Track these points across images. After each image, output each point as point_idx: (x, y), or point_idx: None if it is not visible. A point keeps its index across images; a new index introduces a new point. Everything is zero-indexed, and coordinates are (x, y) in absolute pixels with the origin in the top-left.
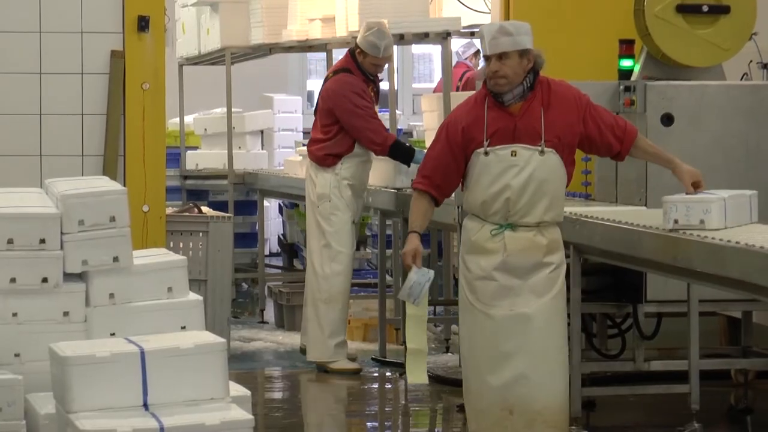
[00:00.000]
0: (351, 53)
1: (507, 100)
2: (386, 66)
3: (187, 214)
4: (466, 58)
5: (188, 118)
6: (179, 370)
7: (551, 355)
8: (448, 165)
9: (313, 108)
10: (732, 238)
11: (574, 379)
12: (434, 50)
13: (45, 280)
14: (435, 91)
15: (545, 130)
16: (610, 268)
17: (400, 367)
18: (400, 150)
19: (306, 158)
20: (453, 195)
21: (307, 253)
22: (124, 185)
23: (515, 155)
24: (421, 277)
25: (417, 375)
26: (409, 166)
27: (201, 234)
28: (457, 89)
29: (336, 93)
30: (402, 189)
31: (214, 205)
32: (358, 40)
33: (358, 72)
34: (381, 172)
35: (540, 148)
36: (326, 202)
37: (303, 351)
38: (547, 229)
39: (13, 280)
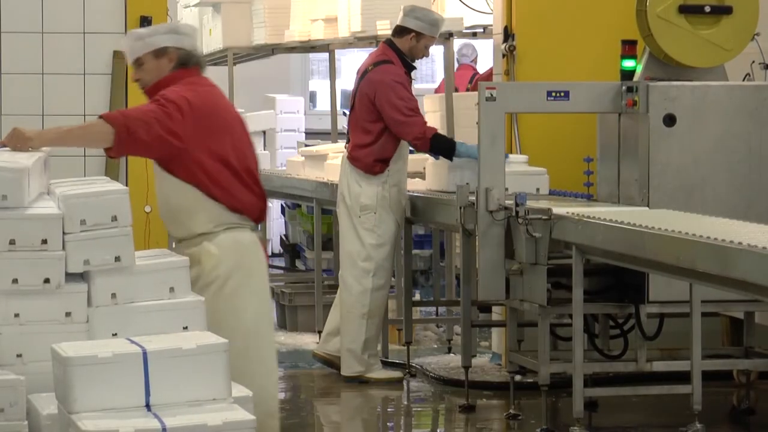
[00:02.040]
0: (389, 44)
1: None
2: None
3: None
4: (471, 61)
5: None
6: (181, 370)
7: None
8: None
9: (348, 106)
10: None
11: (577, 379)
12: (436, 51)
13: (47, 280)
14: (437, 91)
15: None
16: (613, 269)
17: (402, 368)
18: (441, 143)
19: (344, 163)
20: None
21: (338, 261)
22: (126, 185)
23: None
24: None
25: None
26: (451, 160)
27: None
28: (467, 90)
29: (380, 83)
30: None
31: None
32: (409, 24)
33: (399, 63)
34: (431, 175)
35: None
36: (371, 213)
37: (330, 364)
38: (187, 246)
39: (15, 280)
